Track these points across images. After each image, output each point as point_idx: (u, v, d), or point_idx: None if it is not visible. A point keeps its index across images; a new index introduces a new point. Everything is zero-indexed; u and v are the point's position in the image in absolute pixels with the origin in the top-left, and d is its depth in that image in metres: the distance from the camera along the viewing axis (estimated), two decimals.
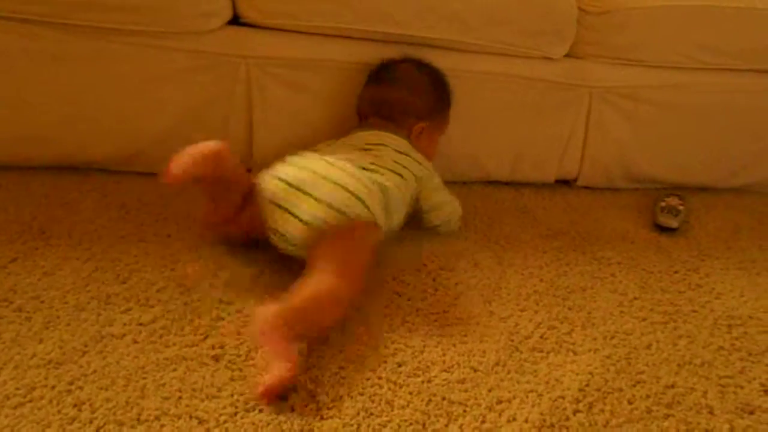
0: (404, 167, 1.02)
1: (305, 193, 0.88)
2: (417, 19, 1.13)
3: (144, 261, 0.92)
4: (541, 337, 0.88)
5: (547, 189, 1.36)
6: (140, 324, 0.81)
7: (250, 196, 0.93)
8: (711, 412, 0.78)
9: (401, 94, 1.10)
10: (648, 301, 1.00)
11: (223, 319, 0.83)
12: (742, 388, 0.83)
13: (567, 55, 1.28)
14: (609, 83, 1.30)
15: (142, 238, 0.98)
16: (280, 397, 0.71)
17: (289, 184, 0.89)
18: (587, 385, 0.79)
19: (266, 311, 0.76)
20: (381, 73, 1.14)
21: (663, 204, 1.27)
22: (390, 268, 0.98)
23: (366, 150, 1.02)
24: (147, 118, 1.13)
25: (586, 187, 1.39)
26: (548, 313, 0.93)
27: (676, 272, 1.09)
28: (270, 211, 0.90)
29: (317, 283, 0.82)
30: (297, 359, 0.74)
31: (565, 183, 1.40)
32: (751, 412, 0.79)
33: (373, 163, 0.98)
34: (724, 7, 1.27)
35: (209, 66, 1.11)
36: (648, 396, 0.79)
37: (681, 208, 1.26)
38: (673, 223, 1.23)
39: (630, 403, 0.78)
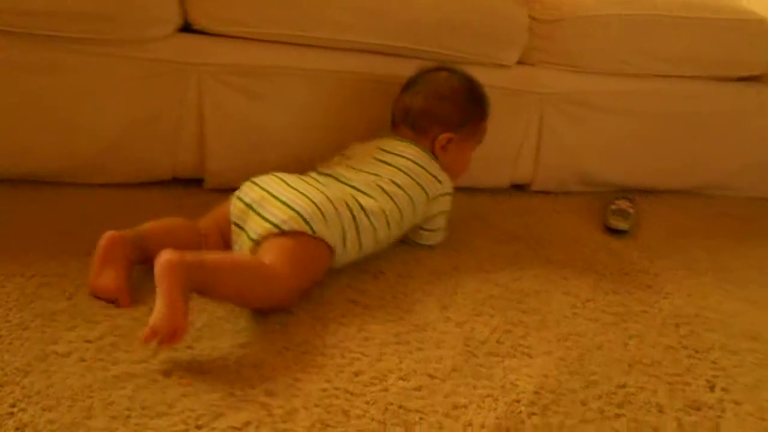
0: (414, 182, 1.02)
1: (254, 211, 0.91)
2: (368, 27, 1.14)
3: None
4: (496, 341, 0.89)
5: (502, 194, 1.38)
6: (87, 341, 0.78)
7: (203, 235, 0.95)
8: (660, 411, 0.80)
9: (427, 103, 1.09)
10: (600, 303, 1.02)
11: None
12: (689, 385, 0.85)
13: (519, 62, 1.30)
14: (560, 89, 1.34)
15: (89, 251, 0.94)
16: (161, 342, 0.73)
17: (246, 204, 0.92)
18: (542, 388, 0.80)
19: (171, 255, 0.75)
20: (412, 82, 1.13)
21: (613, 207, 1.31)
22: (347, 276, 0.98)
23: (376, 160, 1.03)
24: (94, 128, 1.10)
25: (540, 192, 1.42)
26: (503, 317, 0.94)
27: (626, 274, 1.12)
28: (232, 230, 0.93)
29: (246, 256, 0.85)
30: (185, 308, 0.74)
31: (519, 188, 1.42)
32: (698, 409, 0.81)
33: (374, 173, 1.00)
34: (672, 17, 1.32)
35: (159, 74, 1.09)
36: (600, 396, 0.81)
37: (631, 211, 1.30)
38: (624, 226, 1.26)
39: (583, 404, 0.79)
